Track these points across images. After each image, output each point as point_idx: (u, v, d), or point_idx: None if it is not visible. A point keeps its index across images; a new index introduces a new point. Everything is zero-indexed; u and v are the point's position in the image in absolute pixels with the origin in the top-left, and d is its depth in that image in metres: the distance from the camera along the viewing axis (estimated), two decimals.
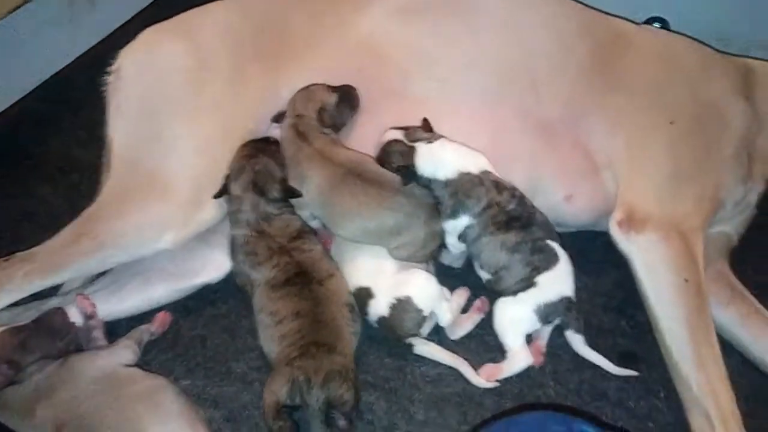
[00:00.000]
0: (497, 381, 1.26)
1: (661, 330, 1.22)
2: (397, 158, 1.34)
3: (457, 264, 1.43)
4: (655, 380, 1.27)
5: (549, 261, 1.29)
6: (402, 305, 1.26)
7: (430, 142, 1.35)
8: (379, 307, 1.28)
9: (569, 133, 1.36)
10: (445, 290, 1.33)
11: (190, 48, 1.38)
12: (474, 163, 1.34)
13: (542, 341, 1.32)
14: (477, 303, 1.36)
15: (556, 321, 1.30)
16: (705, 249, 1.29)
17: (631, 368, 1.28)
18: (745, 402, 1.24)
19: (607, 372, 1.27)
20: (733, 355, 1.30)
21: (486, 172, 1.33)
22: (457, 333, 1.34)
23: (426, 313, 1.27)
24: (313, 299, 1.24)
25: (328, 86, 1.40)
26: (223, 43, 1.39)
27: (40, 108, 1.90)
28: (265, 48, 1.41)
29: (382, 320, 1.28)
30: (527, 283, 1.28)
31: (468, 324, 1.35)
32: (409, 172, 1.32)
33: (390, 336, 1.29)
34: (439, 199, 1.33)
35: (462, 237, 1.34)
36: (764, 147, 1.38)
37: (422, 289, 1.28)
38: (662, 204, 1.26)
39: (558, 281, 1.30)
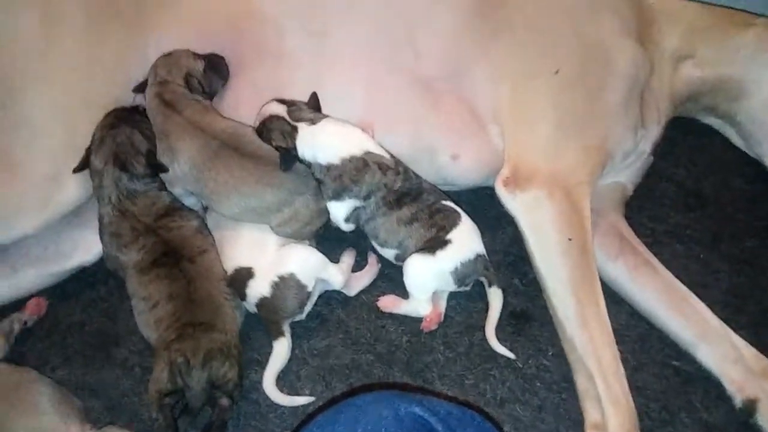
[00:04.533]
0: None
1: (546, 289, 1.19)
2: (277, 137, 1.26)
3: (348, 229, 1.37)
4: (546, 339, 1.25)
5: (452, 218, 1.26)
6: (285, 283, 1.20)
7: (313, 123, 1.27)
8: (259, 287, 1.20)
9: (452, 87, 1.28)
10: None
11: (36, 5, 1.25)
12: (357, 144, 1.26)
13: (441, 308, 1.29)
14: (372, 258, 1.34)
15: (469, 285, 1.27)
16: (596, 202, 1.26)
17: (523, 327, 1.27)
18: (632, 355, 1.24)
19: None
20: (623, 307, 1.29)
21: (369, 153, 1.26)
22: (355, 289, 1.32)
23: (310, 289, 1.22)
24: (186, 278, 1.18)
25: (194, 53, 1.30)
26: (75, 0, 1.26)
27: None
28: (125, 4, 1.29)
29: (263, 301, 1.21)
30: (440, 242, 1.23)
31: (365, 279, 1.33)
32: (289, 155, 1.24)
33: (269, 318, 1.22)
34: (321, 180, 1.27)
35: (350, 218, 1.30)
36: (659, 89, 1.33)
37: (305, 264, 1.23)
38: (546, 159, 1.20)
39: (468, 237, 1.26)
